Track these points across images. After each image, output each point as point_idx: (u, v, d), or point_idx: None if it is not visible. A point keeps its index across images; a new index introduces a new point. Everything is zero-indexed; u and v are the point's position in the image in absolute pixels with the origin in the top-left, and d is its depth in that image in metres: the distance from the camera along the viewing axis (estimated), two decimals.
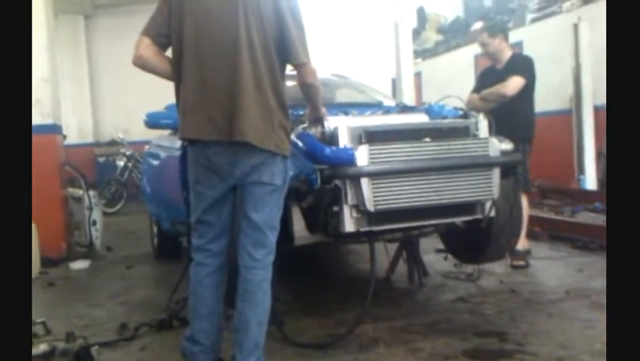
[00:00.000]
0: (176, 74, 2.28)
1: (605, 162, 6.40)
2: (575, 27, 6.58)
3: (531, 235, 4.64)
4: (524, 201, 4.19)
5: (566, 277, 3.82)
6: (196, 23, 2.21)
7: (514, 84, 4.11)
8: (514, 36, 8.21)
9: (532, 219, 4.66)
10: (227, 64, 2.18)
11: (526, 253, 4.21)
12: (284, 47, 2.24)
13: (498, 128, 4.13)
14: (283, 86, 2.28)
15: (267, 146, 2.19)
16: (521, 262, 4.11)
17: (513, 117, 4.08)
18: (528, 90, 4.20)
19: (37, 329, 2.97)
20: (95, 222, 5.18)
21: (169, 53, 2.32)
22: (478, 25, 9.76)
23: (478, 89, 4.43)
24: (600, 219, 4.97)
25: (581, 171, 6.62)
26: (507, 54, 4.34)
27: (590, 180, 6.53)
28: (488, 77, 4.42)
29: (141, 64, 2.29)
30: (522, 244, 4.19)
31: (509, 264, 4.09)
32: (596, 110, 6.57)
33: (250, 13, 2.18)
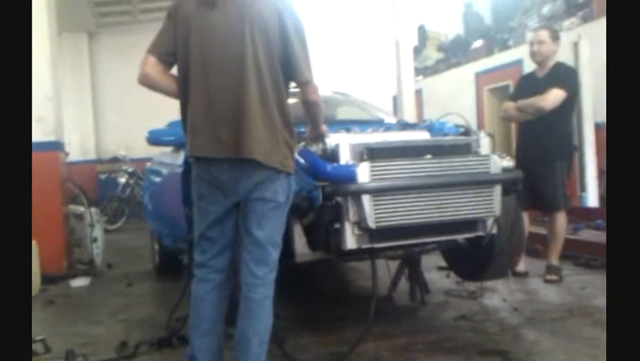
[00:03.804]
0: (182, 92, 2.29)
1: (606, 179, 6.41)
2: (575, 45, 6.62)
3: (533, 253, 4.64)
4: (562, 220, 4.14)
5: (568, 295, 3.80)
6: (202, 41, 2.22)
7: (554, 98, 3.96)
8: (514, 55, 8.31)
9: (534, 237, 4.64)
10: (233, 82, 2.19)
11: (558, 269, 4.17)
12: (288, 65, 2.25)
13: (534, 142, 4.11)
14: (287, 103, 2.29)
15: (272, 163, 2.19)
16: (554, 277, 4.10)
17: (550, 131, 4.01)
18: (568, 104, 4.07)
19: (36, 346, 2.95)
20: (96, 240, 5.18)
21: (174, 70, 2.33)
22: (478, 43, 9.85)
23: (515, 96, 4.29)
24: (602, 237, 4.95)
25: (583, 188, 6.61)
26: (552, 62, 4.18)
27: (592, 197, 6.51)
28: (527, 84, 4.27)
29: (147, 82, 2.30)
30: (556, 260, 4.17)
31: (545, 278, 4.10)
32: (597, 127, 6.58)
33: (256, 31, 2.20)
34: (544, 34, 4.21)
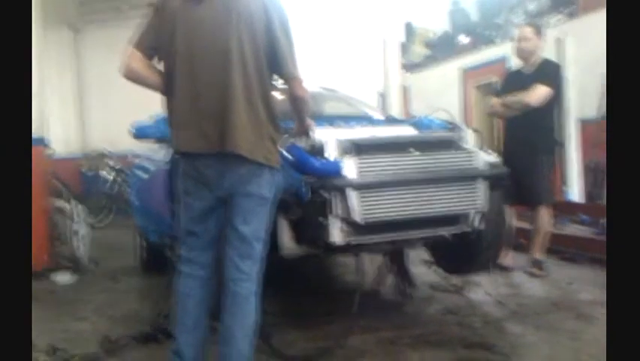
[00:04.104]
0: (167, 86, 2.28)
1: (594, 176, 6.47)
2: (560, 42, 6.68)
3: (517, 247, 4.67)
4: (547, 216, 4.17)
5: (552, 289, 3.84)
6: (188, 36, 2.21)
7: (540, 94, 3.98)
8: (500, 51, 8.35)
9: (519, 231, 4.67)
10: (219, 76, 2.19)
11: (542, 263, 4.21)
12: (274, 60, 2.25)
13: (519, 137, 4.15)
14: (273, 98, 2.29)
15: (256, 157, 2.19)
16: (538, 271, 4.14)
17: (535, 127, 4.04)
18: (554, 100, 4.10)
19: None
20: (80, 235, 5.13)
21: (160, 65, 2.32)
22: (464, 39, 9.89)
23: (501, 92, 4.31)
24: (587, 232, 5.01)
25: (566, 183, 6.67)
26: (538, 58, 4.19)
27: (575, 192, 6.58)
28: (513, 80, 4.29)
29: (132, 76, 2.29)
30: (540, 254, 4.20)
31: (528, 272, 4.14)
32: (581, 123, 6.65)
33: (242, 27, 2.19)
34: (528, 31, 4.23)
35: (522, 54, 4.24)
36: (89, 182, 9.67)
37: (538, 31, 4.26)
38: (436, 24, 11.55)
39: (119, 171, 8.99)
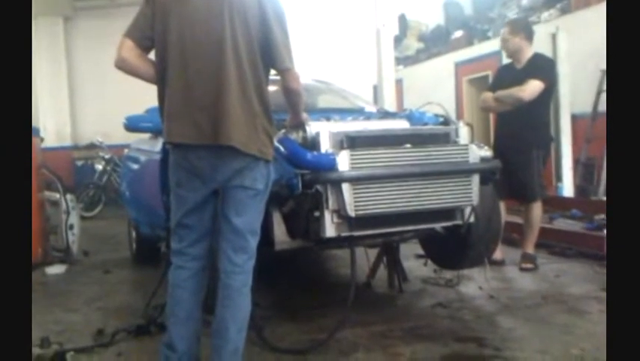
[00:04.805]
0: (159, 77, 2.26)
1: (584, 170, 6.51)
2: (553, 37, 6.69)
3: (509, 241, 4.70)
4: (538, 209, 4.19)
5: (543, 283, 3.87)
6: (181, 26, 2.19)
7: (532, 89, 3.98)
8: (493, 45, 8.36)
9: (510, 226, 4.71)
10: (212, 67, 2.17)
11: (533, 258, 4.23)
12: (269, 52, 2.24)
13: (511, 132, 4.17)
14: (267, 90, 2.28)
15: (251, 150, 2.18)
16: (529, 265, 4.16)
17: (528, 122, 4.05)
18: (546, 94, 4.10)
19: None
20: (72, 227, 5.10)
21: (151, 55, 2.30)
22: (459, 33, 9.89)
23: (494, 86, 4.32)
24: (577, 226, 5.04)
25: (559, 178, 6.71)
26: (527, 54, 4.18)
27: (567, 187, 6.62)
28: (506, 75, 4.29)
29: (124, 66, 2.26)
30: (531, 248, 4.23)
31: (518, 266, 4.17)
32: (574, 118, 6.67)
33: (236, 18, 2.18)
34: (504, 32, 4.29)
35: (507, 53, 4.33)
36: (80, 173, 9.63)
37: (514, 29, 4.23)
38: (430, 17, 11.54)
39: (108, 161, 8.94)
